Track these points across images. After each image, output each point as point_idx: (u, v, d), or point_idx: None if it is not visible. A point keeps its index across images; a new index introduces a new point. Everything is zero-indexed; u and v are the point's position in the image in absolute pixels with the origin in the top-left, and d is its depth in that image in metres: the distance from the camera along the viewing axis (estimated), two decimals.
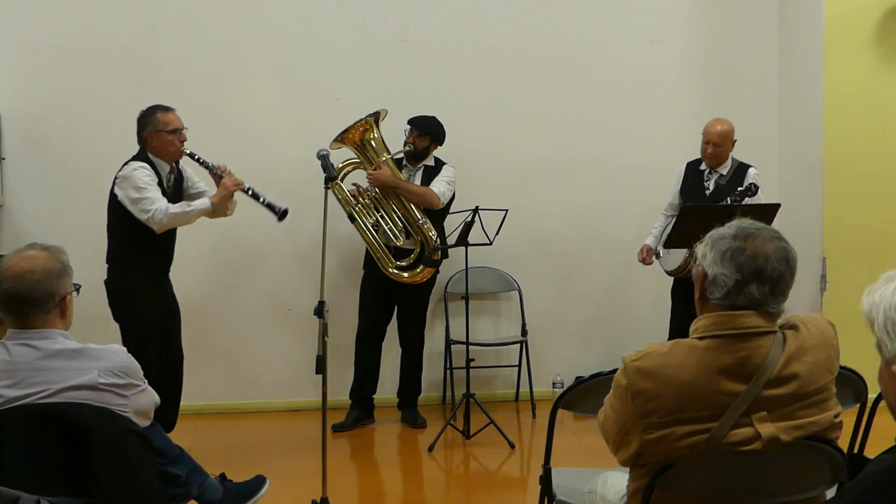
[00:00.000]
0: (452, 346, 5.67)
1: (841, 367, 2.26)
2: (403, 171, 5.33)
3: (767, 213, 4.65)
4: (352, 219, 5.22)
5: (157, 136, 4.39)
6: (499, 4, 5.84)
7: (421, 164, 5.35)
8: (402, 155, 5.29)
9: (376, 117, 5.20)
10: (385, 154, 5.22)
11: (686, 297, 4.72)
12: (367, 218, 5.24)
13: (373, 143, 5.22)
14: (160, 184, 4.38)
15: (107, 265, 4.44)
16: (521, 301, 5.86)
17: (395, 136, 5.31)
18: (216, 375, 5.64)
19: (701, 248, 2.17)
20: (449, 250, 5.33)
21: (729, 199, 5.00)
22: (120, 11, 5.49)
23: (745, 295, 2.08)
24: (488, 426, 4.99)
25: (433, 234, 5.22)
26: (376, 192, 5.25)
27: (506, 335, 5.95)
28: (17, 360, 2.39)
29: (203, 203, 4.42)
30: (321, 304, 3.64)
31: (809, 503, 2.22)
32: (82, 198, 5.32)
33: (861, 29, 5.59)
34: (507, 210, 5.07)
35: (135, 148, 4.45)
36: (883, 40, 5.60)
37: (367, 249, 5.32)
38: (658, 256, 5.37)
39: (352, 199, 5.24)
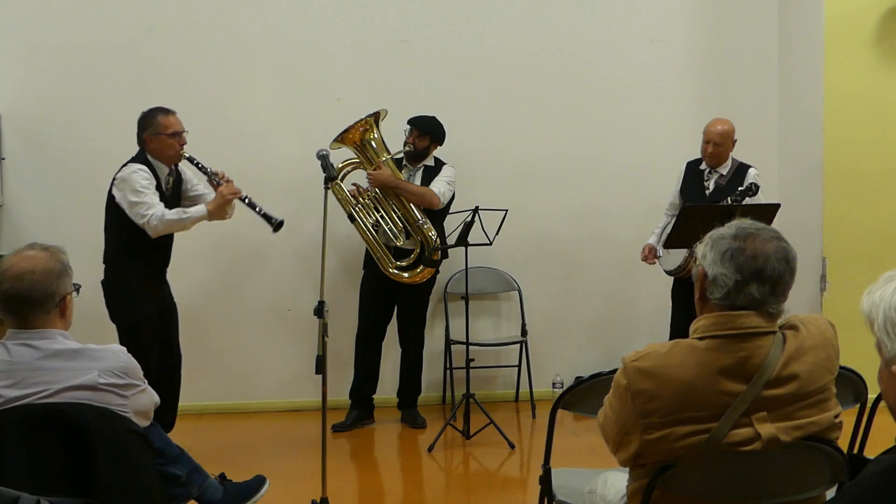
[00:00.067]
0: (452, 346, 5.67)
1: (841, 368, 2.26)
2: (403, 171, 5.33)
3: (767, 213, 4.65)
4: (352, 219, 5.22)
5: (156, 138, 4.39)
6: (499, 4, 5.84)
7: (421, 164, 5.35)
8: (402, 155, 5.28)
9: (376, 117, 5.20)
10: (385, 154, 5.22)
11: (686, 297, 4.71)
12: (367, 218, 5.24)
13: (373, 143, 5.22)
14: (159, 186, 4.38)
15: (104, 265, 4.45)
16: (520, 301, 5.86)
17: (395, 136, 5.31)
18: (216, 375, 5.65)
19: (701, 249, 2.17)
20: (449, 250, 5.33)
21: (729, 199, 5.00)
22: (120, 11, 5.49)
23: (745, 295, 2.08)
24: (488, 426, 4.99)
25: (433, 234, 5.22)
26: (376, 192, 5.25)
27: (506, 335, 5.95)
28: (17, 360, 2.39)
29: (199, 210, 4.42)
30: (321, 304, 3.64)
31: (809, 503, 2.22)
32: (82, 198, 5.32)
33: (861, 29, 5.59)
34: (507, 210, 5.07)
35: (135, 148, 4.45)
36: (883, 40, 5.60)
37: (366, 249, 5.32)
38: (658, 256, 5.38)
39: (352, 199, 5.24)
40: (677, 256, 5.17)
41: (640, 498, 2.15)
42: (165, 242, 4.52)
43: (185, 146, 4.43)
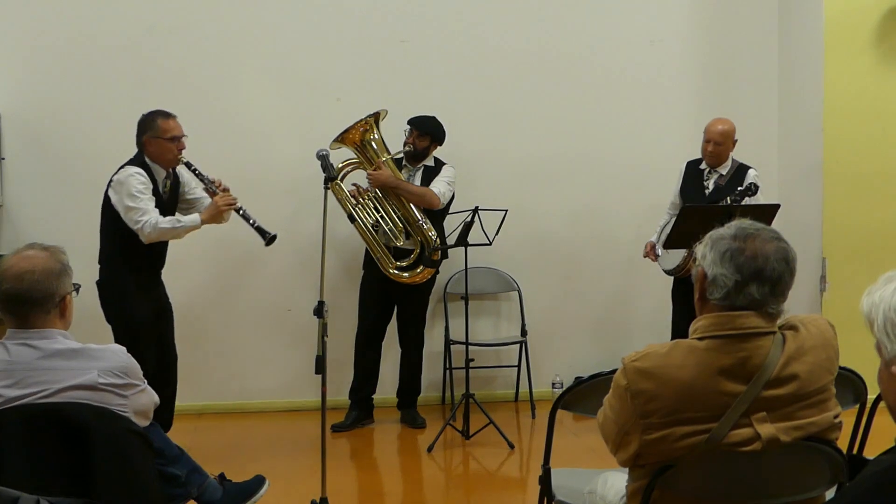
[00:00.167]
0: (452, 347, 5.67)
1: (841, 368, 2.26)
2: (403, 172, 5.33)
3: (767, 213, 4.65)
4: (352, 219, 5.22)
5: (155, 141, 4.38)
6: (499, 5, 5.84)
7: (421, 165, 5.35)
8: (401, 155, 5.29)
9: (376, 117, 5.20)
10: (385, 154, 5.22)
11: (687, 297, 4.69)
12: (367, 218, 5.24)
13: (373, 143, 5.22)
14: (156, 189, 4.38)
15: (99, 266, 4.44)
16: (520, 301, 5.86)
17: (395, 136, 5.31)
18: (216, 375, 5.64)
19: (700, 249, 2.17)
20: (449, 250, 5.33)
21: (728, 199, 5.00)
22: (120, 11, 5.49)
23: (744, 295, 2.08)
24: (488, 426, 4.99)
25: (433, 234, 5.22)
26: (376, 193, 5.25)
27: (505, 335, 5.95)
28: (17, 360, 2.39)
29: (193, 220, 4.43)
30: (321, 304, 3.64)
31: (809, 503, 2.22)
32: (82, 198, 5.30)
33: (861, 29, 5.59)
34: (506, 210, 5.07)
35: (135, 149, 4.45)
36: (883, 41, 5.60)
37: (366, 250, 5.32)
38: (657, 255, 5.38)
39: (352, 199, 5.24)
40: (676, 256, 5.17)
41: (640, 498, 2.15)
42: (161, 244, 4.51)
43: (183, 151, 4.43)
